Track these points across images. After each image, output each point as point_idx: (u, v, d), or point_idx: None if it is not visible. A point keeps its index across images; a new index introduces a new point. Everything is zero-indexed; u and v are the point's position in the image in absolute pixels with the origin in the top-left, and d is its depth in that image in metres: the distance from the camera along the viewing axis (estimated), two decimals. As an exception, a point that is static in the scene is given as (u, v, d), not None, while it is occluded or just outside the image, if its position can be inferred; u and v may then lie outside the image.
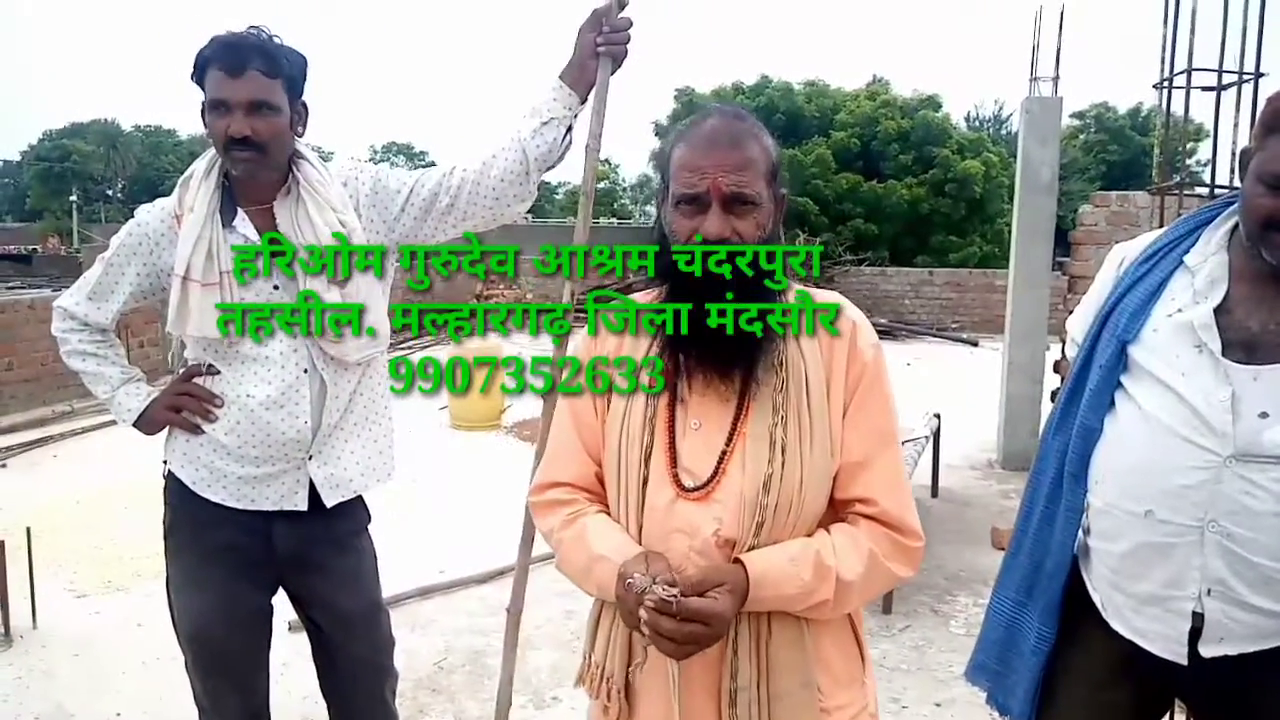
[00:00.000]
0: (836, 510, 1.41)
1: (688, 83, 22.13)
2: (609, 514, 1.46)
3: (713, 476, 1.36)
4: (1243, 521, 1.50)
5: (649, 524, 1.38)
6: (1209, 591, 1.54)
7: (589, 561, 1.40)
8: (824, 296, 1.47)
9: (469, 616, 3.94)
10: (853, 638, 1.48)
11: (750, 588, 1.30)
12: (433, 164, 2.21)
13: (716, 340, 1.35)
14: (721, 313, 1.34)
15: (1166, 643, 1.59)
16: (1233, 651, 1.55)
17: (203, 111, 1.96)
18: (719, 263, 1.33)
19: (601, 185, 30.23)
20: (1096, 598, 1.70)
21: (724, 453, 1.36)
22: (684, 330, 1.36)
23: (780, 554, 1.33)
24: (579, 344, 1.55)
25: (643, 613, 1.24)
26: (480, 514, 5.29)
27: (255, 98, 1.90)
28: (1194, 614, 1.56)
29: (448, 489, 5.75)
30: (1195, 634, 1.57)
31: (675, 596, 1.23)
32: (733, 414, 1.38)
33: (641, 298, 1.50)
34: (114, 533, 4.89)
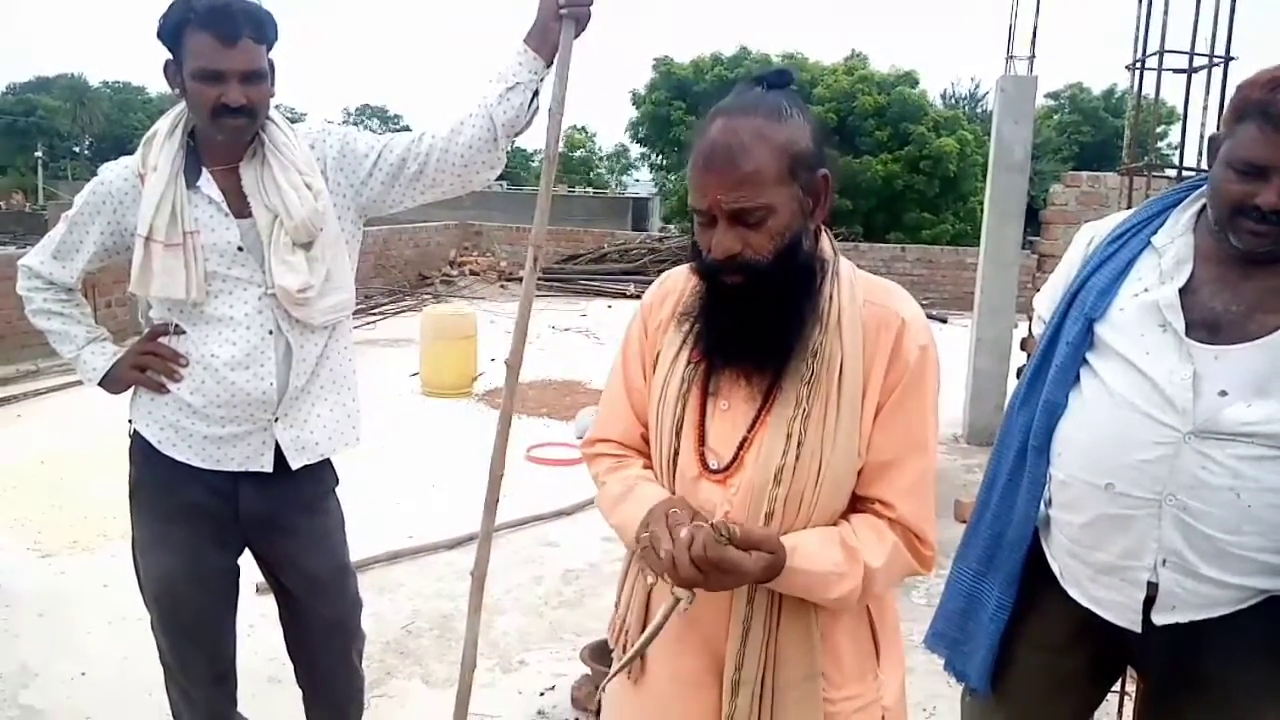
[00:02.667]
0: (853, 508, 1.40)
1: (666, 52, 22.02)
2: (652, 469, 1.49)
3: (733, 460, 1.36)
4: (1199, 496, 1.54)
5: (678, 494, 1.40)
6: (1164, 562, 1.58)
7: (620, 499, 1.43)
8: (880, 285, 1.43)
9: (437, 581, 3.96)
10: (868, 630, 1.46)
11: (786, 557, 1.28)
12: (406, 128, 2.19)
13: (746, 347, 1.35)
14: (744, 322, 1.33)
15: (1122, 611, 1.64)
16: (1183, 620, 1.60)
17: (168, 70, 1.93)
18: (733, 275, 1.31)
19: (578, 154, 30.03)
20: (1055, 567, 1.74)
21: (745, 439, 1.36)
22: (712, 335, 1.38)
23: (808, 535, 1.33)
24: (636, 309, 1.57)
25: (684, 533, 1.23)
26: (450, 480, 5.29)
27: (251, 67, 1.89)
28: (1149, 583, 1.61)
29: (418, 455, 5.74)
30: (1149, 603, 1.62)
31: (725, 536, 1.22)
32: (760, 400, 1.37)
33: (688, 270, 1.48)
34: (80, 493, 4.85)
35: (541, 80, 1.99)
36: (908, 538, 1.38)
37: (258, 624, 3.12)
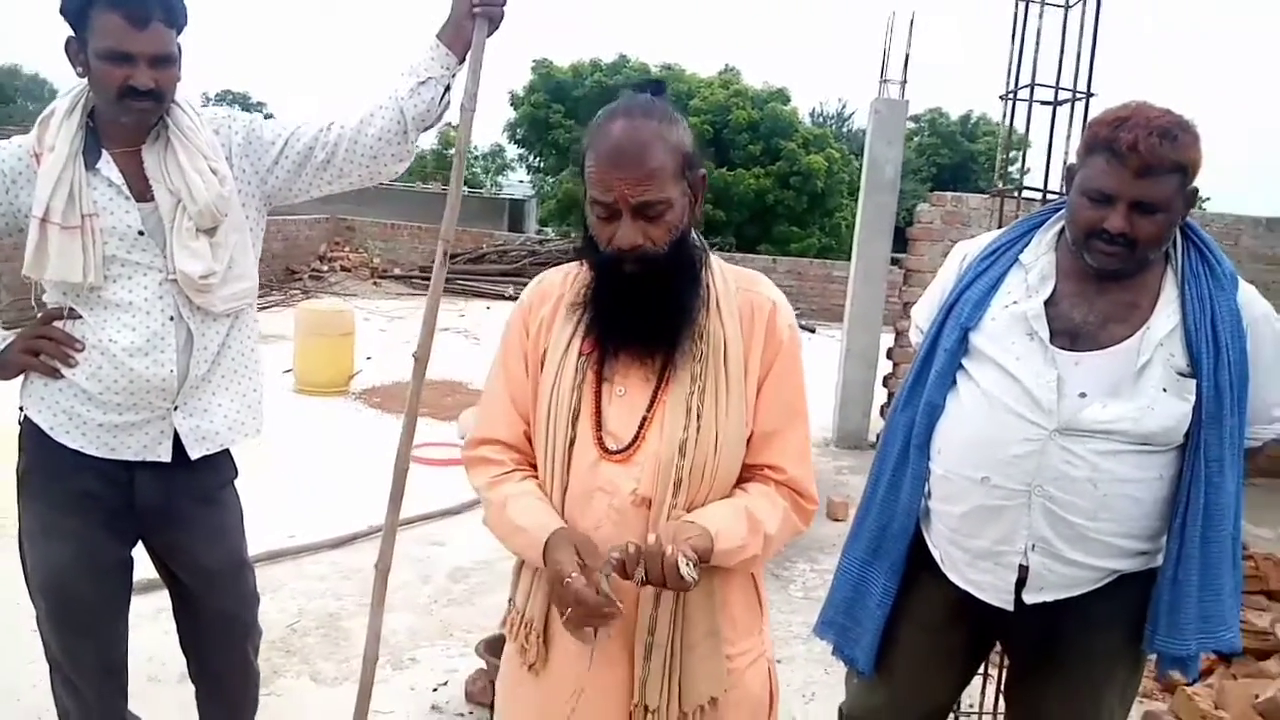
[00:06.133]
0: (743, 474, 1.53)
1: (545, 55, 21.92)
2: (534, 475, 1.55)
3: (634, 440, 1.46)
4: (1063, 486, 1.72)
5: (573, 482, 1.48)
6: (1034, 547, 1.76)
7: (510, 530, 1.50)
8: (745, 274, 1.59)
9: (321, 581, 3.90)
10: (754, 589, 1.60)
11: (713, 543, 1.39)
12: (270, 116, 2.20)
13: (638, 331, 1.46)
14: (641, 307, 1.44)
15: (996, 592, 1.81)
16: (1050, 599, 1.79)
17: (70, 48, 1.88)
18: (634, 265, 1.42)
19: (450, 152, 29.59)
20: (936, 554, 1.90)
21: (645, 418, 1.47)
22: (608, 321, 1.47)
23: (720, 512, 1.45)
24: (513, 310, 1.63)
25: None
26: (329, 479, 5.19)
27: (161, 51, 1.86)
28: (1020, 566, 1.78)
29: (295, 453, 5.59)
30: (1020, 584, 1.79)
31: (693, 579, 1.33)
32: (654, 382, 1.49)
33: (572, 269, 1.58)
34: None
35: (453, 76, 2.03)
36: (794, 498, 1.53)
37: (136, 623, 3.01)
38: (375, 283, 14.74)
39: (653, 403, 1.48)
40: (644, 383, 1.49)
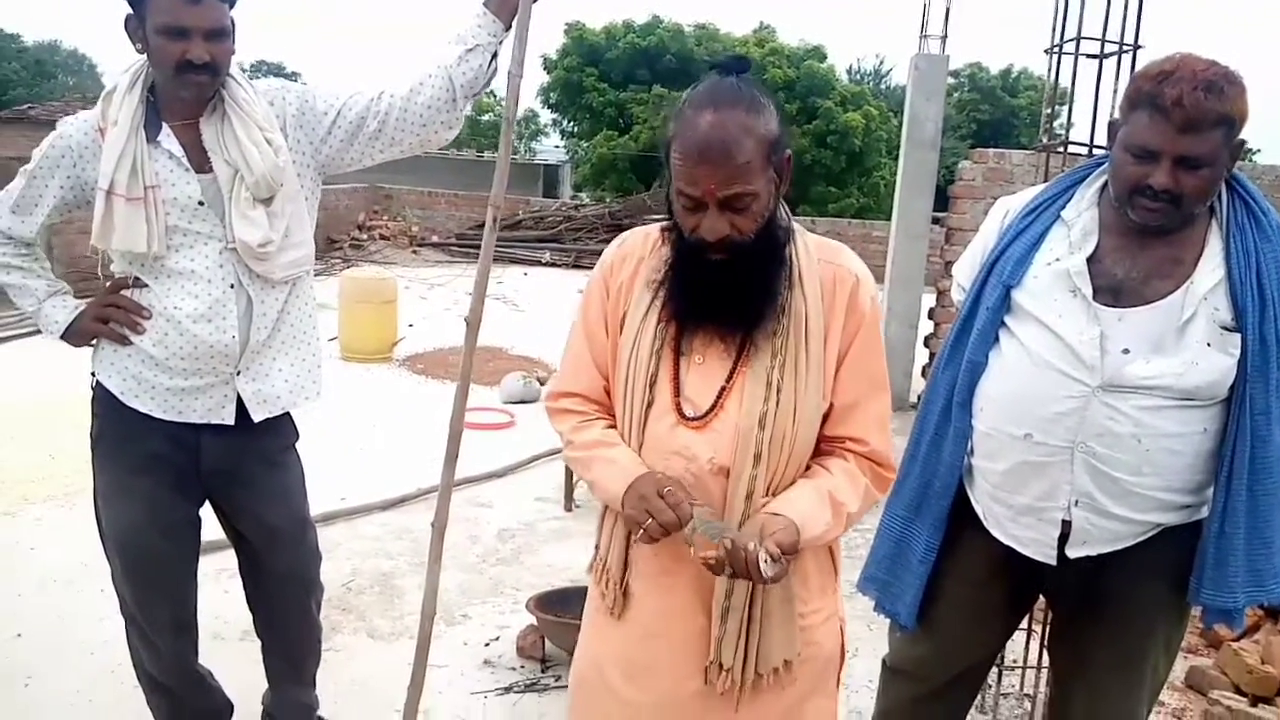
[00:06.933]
0: (822, 443, 1.56)
1: (578, 17, 21.76)
2: (614, 426, 1.59)
3: (711, 408, 1.49)
4: (1107, 442, 1.73)
5: (649, 443, 1.52)
6: (1076, 502, 1.78)
7: (600, 459, 1.54)
8: (828, 245, 1.59)
9: (374, 541, 4.01)
10: (827, 551, 1.63)
11: (799, 534, 1.43)
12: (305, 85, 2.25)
13: (719, 315, 1.49)
14: (724, 292, 1.46)
15: (1039, 547, 1.84)
16: (1093, 553, 1.80)
17: (129, 25, 1.95)
18: (720, 253, 1.44)
19: (486, 118, 29.56)
20: (979, 510, 1.92)
21: (724, 388, 1.49)
22: (688, 303, 1.49)
23: (806, 499, 1.48)
24: (594, 270, 1.66)
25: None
26: (377, 444, 5.32)
27: (216, 24, 1.92)
28: (1063, 522, 1.80)
29: (343, 418, 5.71)
30: (1063, 539, 1.81)
31: (771, 576, 1.37)
32: (734, 353, 1.50)
33: (653, 231, 1.60)
34: (-7, 457, 4.71)
35: (500, 43, 2.06)
36: (874, 470, 1.56)
37: (200, 583, 3.14)
38: (414, 251, 14.87)
39: (732, 374, 1.50)
40: (723, 352, 1.51)
